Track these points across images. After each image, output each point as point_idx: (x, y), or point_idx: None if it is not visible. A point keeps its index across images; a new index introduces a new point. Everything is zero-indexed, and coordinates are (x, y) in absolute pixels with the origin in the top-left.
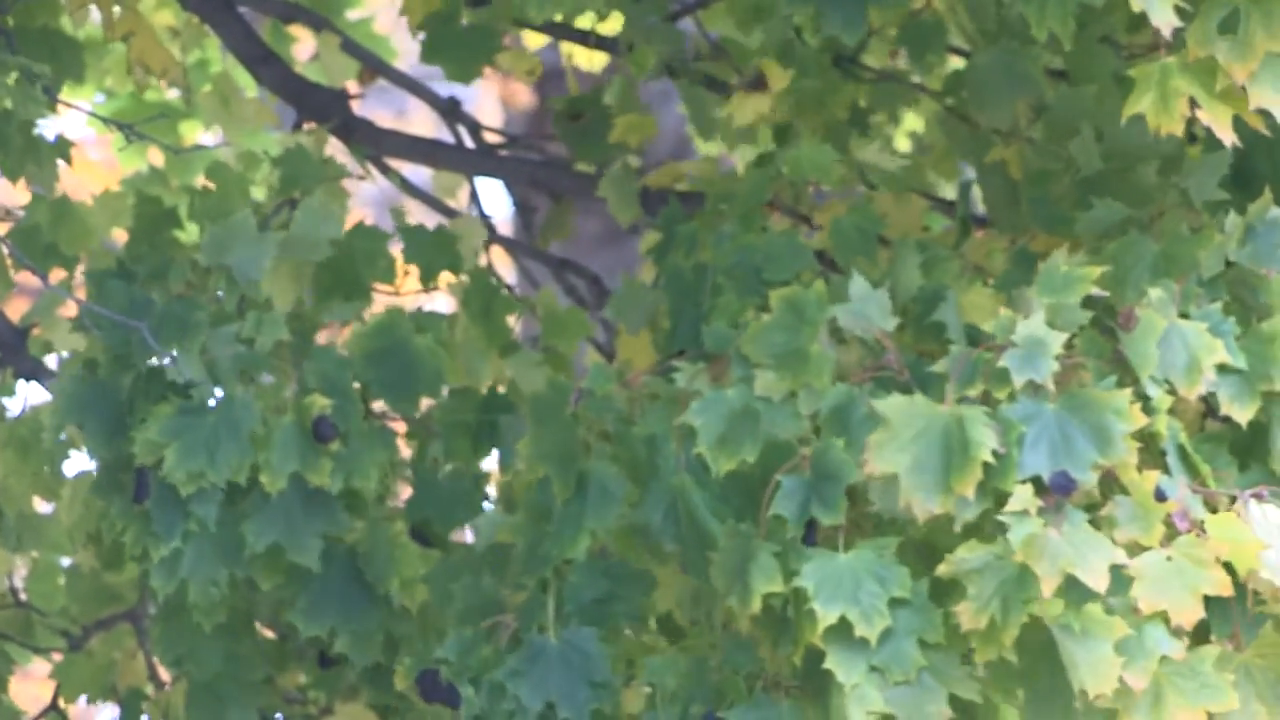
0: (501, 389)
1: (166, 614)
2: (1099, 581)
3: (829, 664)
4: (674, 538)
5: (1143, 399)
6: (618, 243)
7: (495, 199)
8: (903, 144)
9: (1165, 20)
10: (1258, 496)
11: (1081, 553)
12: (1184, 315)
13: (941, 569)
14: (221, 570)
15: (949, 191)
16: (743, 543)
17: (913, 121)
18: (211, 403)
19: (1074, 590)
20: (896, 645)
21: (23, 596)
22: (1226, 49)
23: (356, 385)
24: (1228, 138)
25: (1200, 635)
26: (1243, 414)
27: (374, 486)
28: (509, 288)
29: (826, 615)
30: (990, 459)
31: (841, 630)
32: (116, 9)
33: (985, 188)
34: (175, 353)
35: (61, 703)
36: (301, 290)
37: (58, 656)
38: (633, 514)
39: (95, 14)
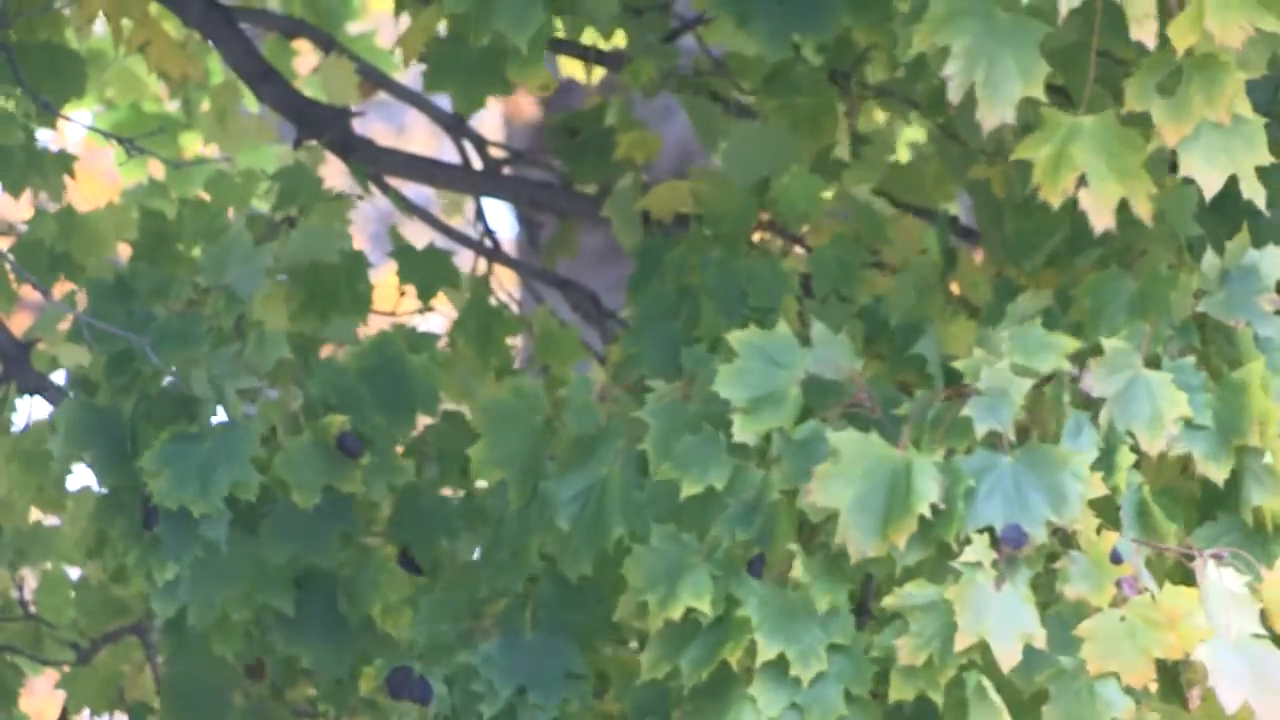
0: None
1: (170, 630)
2: (1007, 656)
3: (754, 690)
4: (571, 519)
5: (1105, 452)
6: (622, 258)
7: (501, 215)
8: (904, 156)
9: (1147, 33)
10: (1217, 557)
11: (1006, 619)
12: (1154, 362)
13: (888, 600)
14: (220, 592)
15: (951, 208)
16: (680, 552)
17: (914, 133)
18: (213, 421)
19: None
20: (824, 690)
21: (32, 609)
22: (1161, 108)
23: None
24: (1102, 223)
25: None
26: (1219, 472)
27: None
28: (507, 306)
29: (766, 650)
30: (928, 513)
31: (777, 665)
32: (126, 21)
33: (976, 207)
34: (176, 369)
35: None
36: (292, 308)
37: (67, 669)
38: (545, 487)
39: (98, 26)
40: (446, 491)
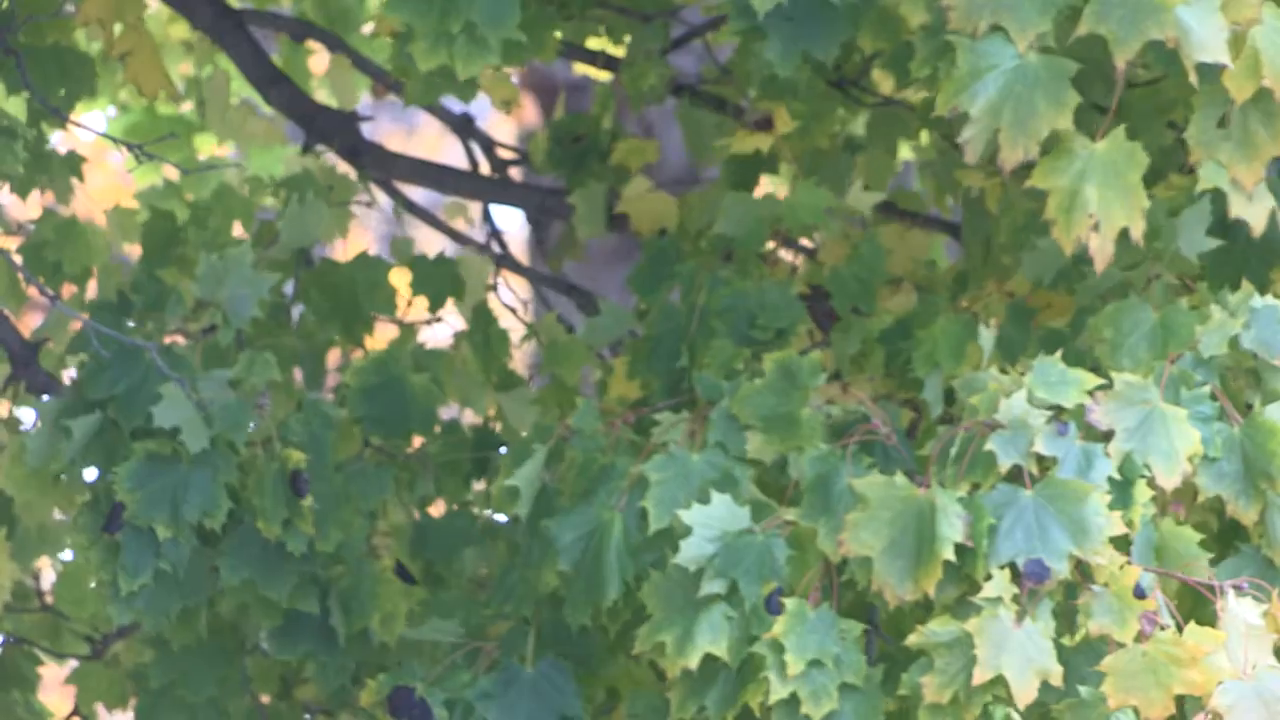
0: (496, 425)
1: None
2: (1023, 692)
3: None
4: (572, 563)
5: (1121, 485)
6: (629, 263)
7: (509, 218)
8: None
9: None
10: (1237, 588)
11: (1025, 654)
12: (1174, 397)
13: (912, 639)
14: (178, 604)
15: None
16: (692, 591)
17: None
18: (196, 446)
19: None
20: None
21: (49, 600)
22: (1229, 151)
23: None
24: (1104, 263)
25: None
26: (1248, 514)
27: (332, 549)
28: (515, 311)
29: (779, 689)
30: (951, 556)
31: (789, 704)
32: (118, 27)
33: (965, 218)
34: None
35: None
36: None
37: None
38: (546, 525)
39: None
40: (440, 502)
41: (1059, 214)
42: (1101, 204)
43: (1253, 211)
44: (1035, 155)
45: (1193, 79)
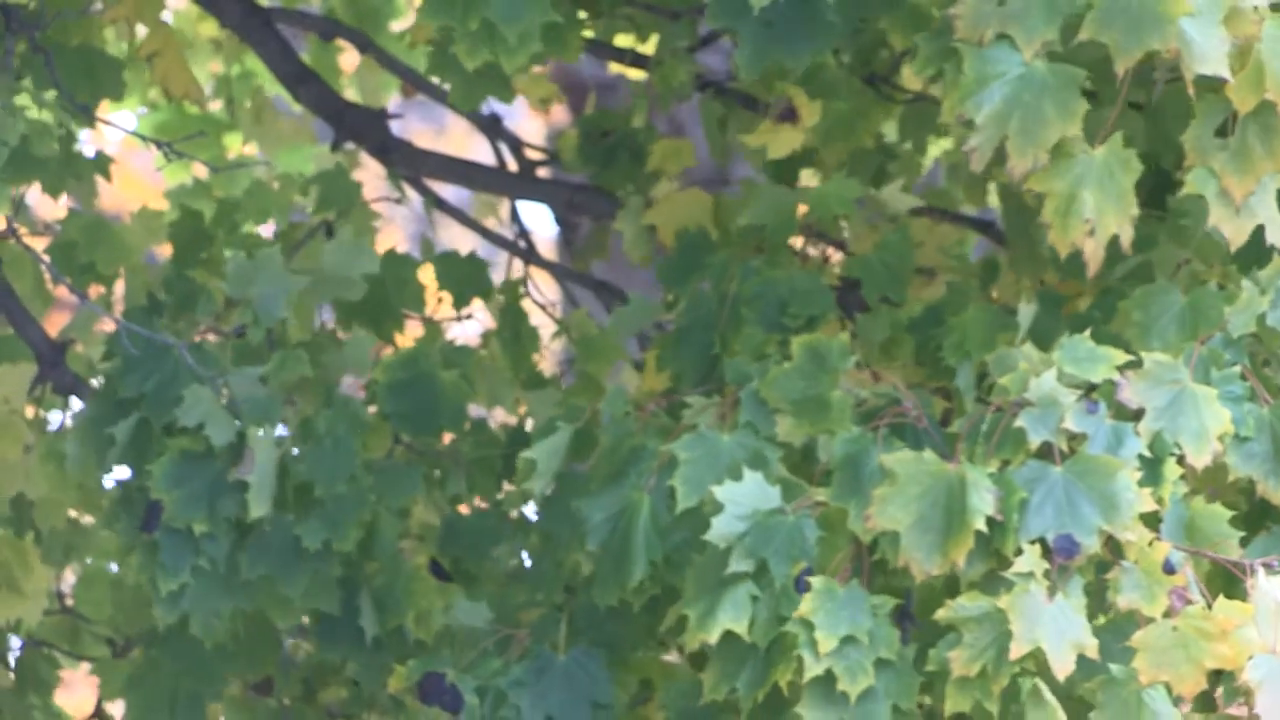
0: (527, 423)
1: (181, 639)
2: (1061, 664)
3: (801, 709)
4: (600, 544)
5: (1151, 463)
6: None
7: (538, 217)
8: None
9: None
10: (1268, 566)
11: (1059, 628)
12: (1203, 379)
13: (940, 613)
14: (226, 602)
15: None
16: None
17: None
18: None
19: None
20: (871, 706)
21: (69, 603)
22: (1223, 162)
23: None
24: (1096, 267)
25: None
26: (1278, 494)
27: (350, 547)
28: (544, 308)
29: (813, 666)
30: (983, 527)
31: (824, 681)
32: (144, 27)
33: (1004, 214)
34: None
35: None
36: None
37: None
38: (576, 507)
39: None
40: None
41: (1055, 217)
42: (1097, 210)
43: (1237, 224)
44: (1045, 163)
45: (1191, 91)
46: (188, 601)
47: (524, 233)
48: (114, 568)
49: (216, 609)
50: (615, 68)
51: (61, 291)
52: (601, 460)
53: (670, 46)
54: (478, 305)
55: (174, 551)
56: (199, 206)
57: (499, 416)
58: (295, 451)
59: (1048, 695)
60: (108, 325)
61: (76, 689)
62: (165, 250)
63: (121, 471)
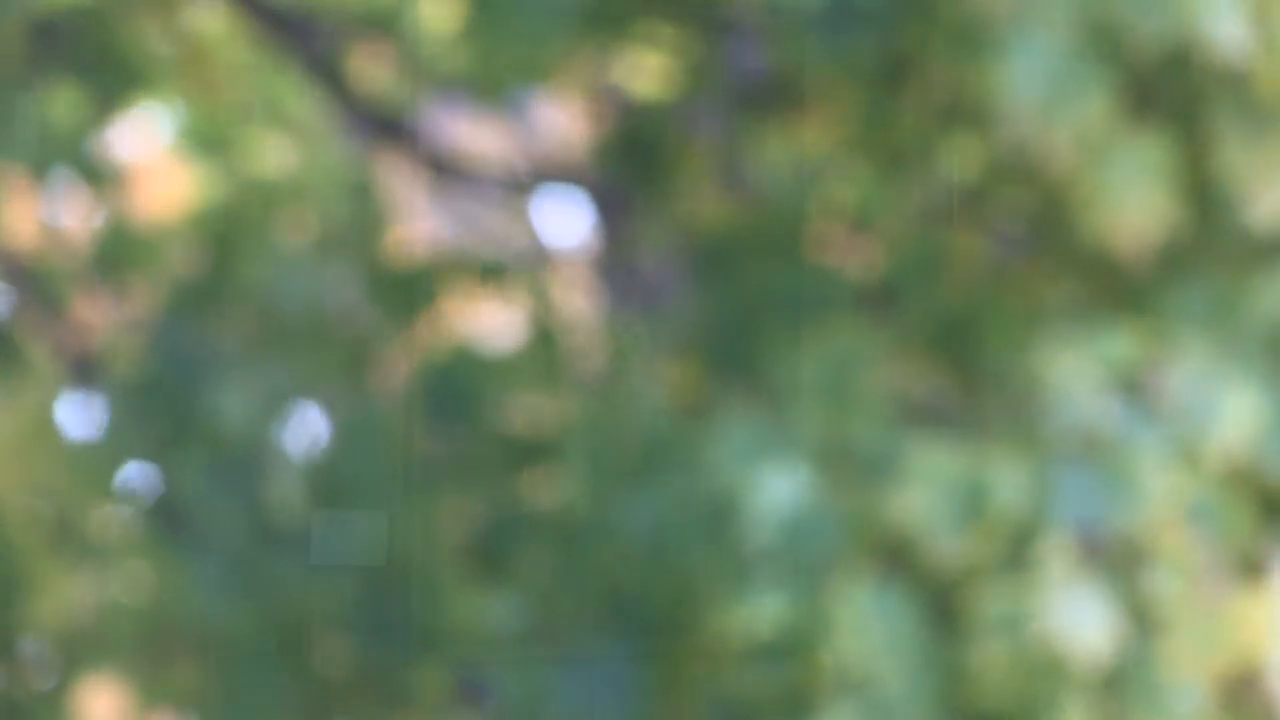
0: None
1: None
2: (1089, 652)
3: (833, 704)
4: (637, 541)
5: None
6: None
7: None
8: None
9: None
10: None
11: (1085, 616)
12: (1230, 369)
13: (970, 605)
14: (254, 602)
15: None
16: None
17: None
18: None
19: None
20: (903, 700)
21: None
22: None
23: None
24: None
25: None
26: None
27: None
28: (575, 309)
29: (845, 660)
30: (1009, 511)
31: (856, 676)
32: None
33: (1035, 208)
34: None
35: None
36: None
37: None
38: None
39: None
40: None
41: (1089, 207)
42: (1131, 200)
43: (1272, 215)
44: (1074, 149)
45: (1208, 76)
46: (219, 603)
47: (554, 233)
48: (140, 569)
49: (244, 607)
50: (643, 69)
51: (93, 296)
52: (636, 459)
53: (700, 50)
54: (509, 305)
55: (201, 550)
56: (229, 209)
57: (534, 416)
58: (327, 449)
59: (1074, 684)
60: (139, 329)
61: (101, 692)
62: (196, 253)
63: (151, 470)
